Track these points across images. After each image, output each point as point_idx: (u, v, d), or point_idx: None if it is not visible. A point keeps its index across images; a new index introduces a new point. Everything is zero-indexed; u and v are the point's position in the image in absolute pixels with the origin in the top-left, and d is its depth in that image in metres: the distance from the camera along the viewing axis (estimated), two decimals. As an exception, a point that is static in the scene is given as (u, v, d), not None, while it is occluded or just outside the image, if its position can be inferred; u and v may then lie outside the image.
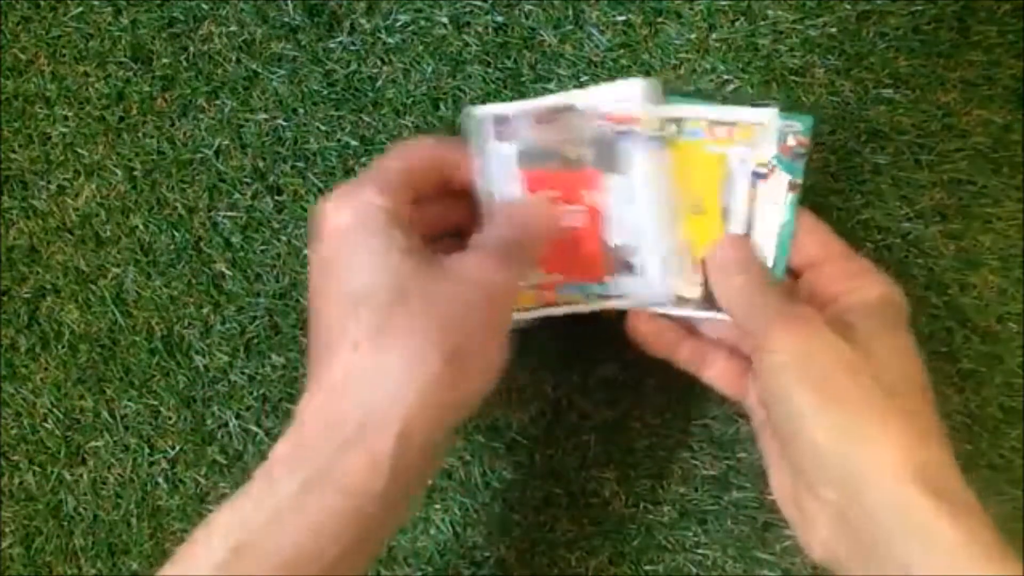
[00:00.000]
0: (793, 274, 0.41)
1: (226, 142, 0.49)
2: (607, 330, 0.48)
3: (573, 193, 0.41)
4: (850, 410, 0.34)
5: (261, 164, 0.49)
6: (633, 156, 0.41)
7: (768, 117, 0.40)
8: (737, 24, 0.48)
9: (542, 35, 0.48)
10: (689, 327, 0.43)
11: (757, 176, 0.40)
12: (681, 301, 0.41)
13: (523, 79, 0.48)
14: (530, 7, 0.48)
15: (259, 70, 0.50)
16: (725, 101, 0.40)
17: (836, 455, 0.34)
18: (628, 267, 0.42)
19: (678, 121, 0.40)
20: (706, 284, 0.41)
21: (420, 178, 0.39)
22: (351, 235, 0.35)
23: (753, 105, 0.40)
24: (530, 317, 0.43)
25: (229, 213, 0.49)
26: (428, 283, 0.35)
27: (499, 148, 0.41)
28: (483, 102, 0.48)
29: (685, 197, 0.41)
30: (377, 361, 0.33)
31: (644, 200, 0.41)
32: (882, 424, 0.34)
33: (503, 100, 0.48)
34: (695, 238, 0.41)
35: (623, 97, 0.40)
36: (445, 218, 0.41)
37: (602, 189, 0.41)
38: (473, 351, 0.35)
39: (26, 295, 0.50)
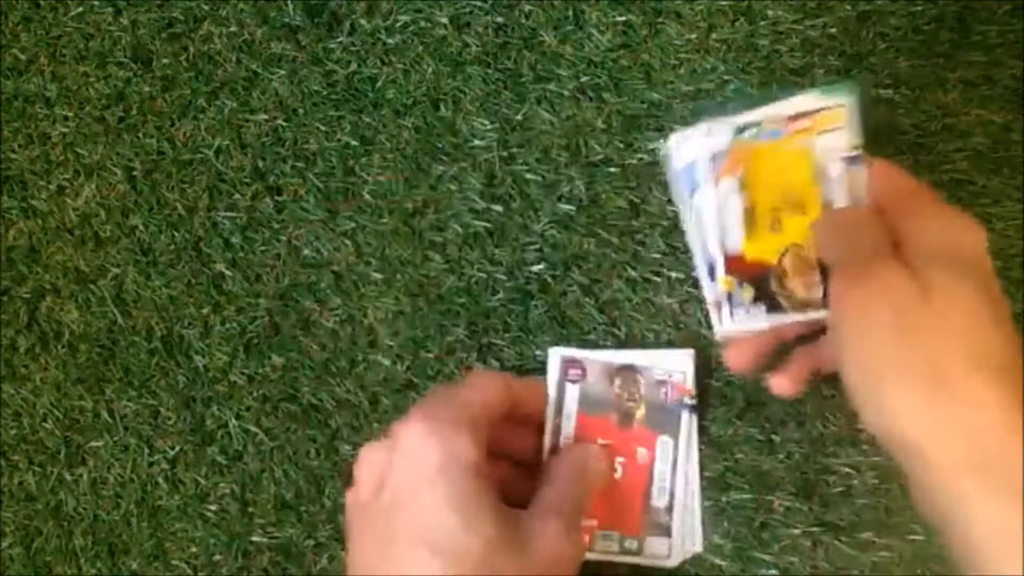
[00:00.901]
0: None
1: (226, 142, 0.49)
2: (607, 328, 0.48)
3: (624, 446, 0.46)
4: (923, 360, 0.32)
5: (261, 164, 0.49)
6: (681, 422, 0.46)
7: (846, 97, 0.39)
8: (737, 24, 0.48)
9: (542, 35, 0.48)
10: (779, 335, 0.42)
11: (851, 161, 0.39)
12: (804, 305, 0.40)
13: (523, 79, 0.48)
14: (530, 7, 0.48)
15: (259, 70, 0.50)
16: (780, 96, 0.40)
17: (910, 409, 0.32)
18: (664, 529, 0.46)
19: (756, 125, 0.40)
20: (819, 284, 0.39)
21: (495, 418, 0.39)
22: (440, 482, 0.34)
23: (823, 90, 0.39)
24: None
25: (229, 213, 0.49)
26: (514, 554, 0.34)
27: (569, 389, 0.46)
28: (483, 103, 0.48)
29: (784, 200, 0.40)
30: None
31: (684, 464, 0.46)
32: (954, 384, 0.31)
33: (503, 100, 0.48)
34: (804, 238, 0.40)
35: (676, 365, 0.46)
36: (503, 443, 0.42)
37: (651, 448, 0.46)
38: None
39: (26, 295, 0.50)
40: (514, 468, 0.42)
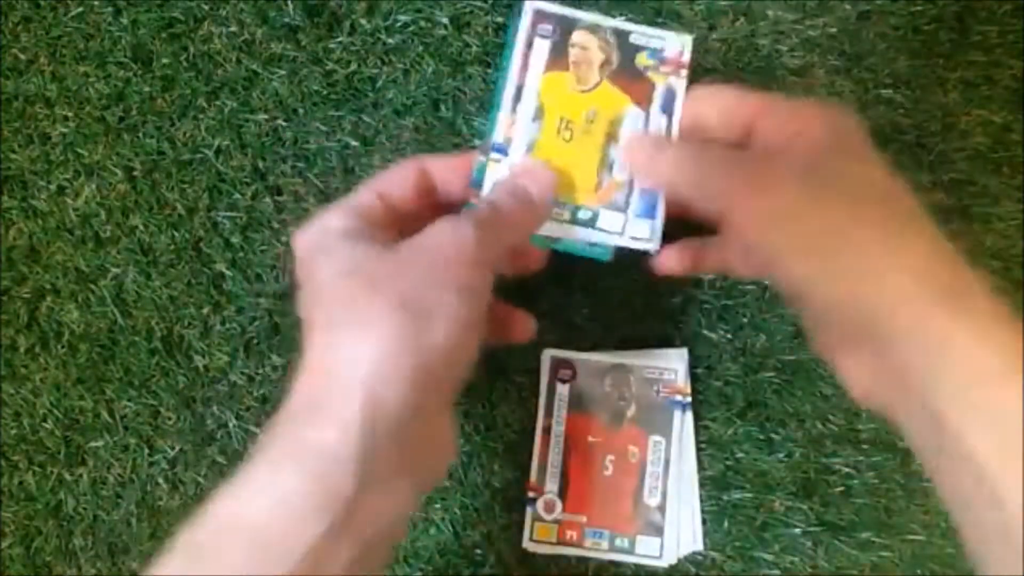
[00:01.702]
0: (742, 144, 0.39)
1: (226, 142, 0.49)
2: (606, 330, 0.48)
3: (615, 445, 0.46)
4: (849, 253, 0.33)
5: (261, 164, 0.49)
6: (673, 421, 0.46)
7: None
8: (737, 24, 0.48)
9: (542, 35, 0.48)
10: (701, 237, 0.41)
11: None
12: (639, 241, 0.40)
13: (523, 79, 0.48)
14: (530, 7, 0.48)
15: (259, 70, 0.49)
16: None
17: (852, 302, 0.33)
18: (656, 528, 0.46)
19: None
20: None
21: (400, 195, 0.38)
22: (313, 251, 0.36)
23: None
24: (549, 553, 0.47)
25: (229, 213, 0.49)
26: (382, 254, 0.35)
27: (560, 389, 0.47)
28: (483, 103, 0.48)
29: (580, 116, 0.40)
30: (334, 334, 0.34)
31: (679, 463, 0.46)
32: (889, 257, 0.32)
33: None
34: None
35: (668, 364, 0.46)
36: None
37: (642, 447, 0.46)
38: (429, 302, 0.34)
39: (26, 295, 0.50)
40: None
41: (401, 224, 0.38)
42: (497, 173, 0.39)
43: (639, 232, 0.39)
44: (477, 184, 0.39)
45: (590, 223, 0.39)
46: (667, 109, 0.39)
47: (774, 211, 0.35)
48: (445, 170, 0.40)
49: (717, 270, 0.41)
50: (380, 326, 0.33)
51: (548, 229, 0.39)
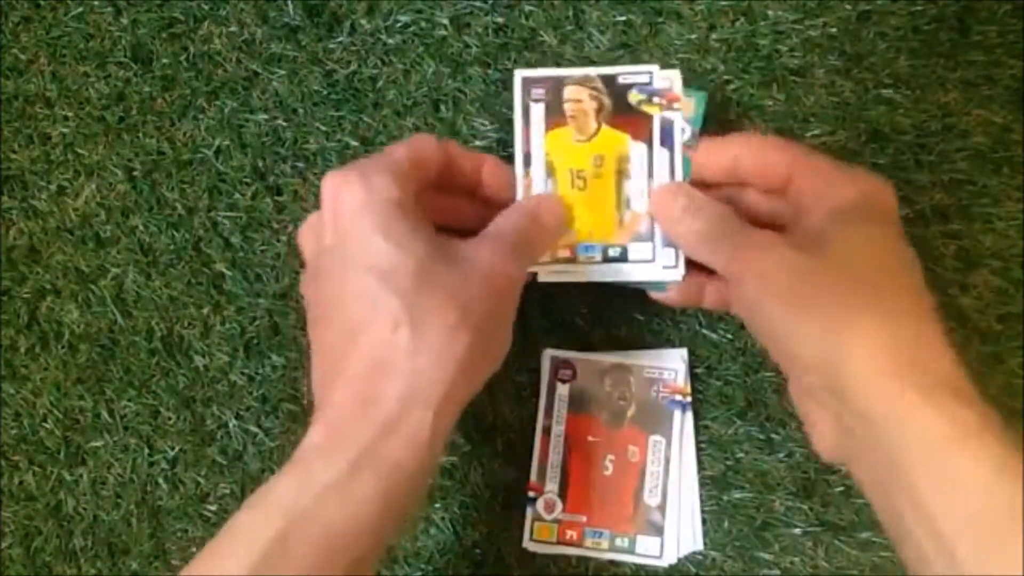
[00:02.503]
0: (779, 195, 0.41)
1: (226, 142, 0.49)
2: (607, 330, 0.48)
3: (615, 445, 0.46)
4: (820, 316, 0.34)
5: (261, 164, 0.49)
6: (673, 421, 0.46)
7: (695, 93, 0.42)
8: (737, 24, 0.48)
9: (542, 35, 0.48)
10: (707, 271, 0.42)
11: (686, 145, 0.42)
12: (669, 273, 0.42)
13: (523, 79, 0.48)
14: (530, 7, 0.48)
15: (259, 70, 0.49)
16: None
17: (818, 362, 0.34)
18: (656, 528, 0.46)
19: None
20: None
21: (425, 172, 0.39)
22: (366, 215, 0.35)
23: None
24: (549, 552, 0.46)
25: (229, 213, 0.49)
26: (447, 267, 0.35)
27: (559, 389, 0.47)
28: (483, 103, 0.48)
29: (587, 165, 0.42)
30: (416, 341, 0.34)
31: (679, 463, 0.46)
32: (854, 323, 0.33)
33: (503, 100, 0.48)
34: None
35: (667, 364, 0.46)
36: (442, 209, 0.41)
37: (642, 447, 0.46)
38: (488, 333, 0.36)
39: (26, 295, 0.50)
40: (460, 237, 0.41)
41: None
42: None
43: (667, 260, 0.41)
44: None
45: (622, 258, 0.42)
46: (667, 143, 0.41)
47: (759, 269, 0.36)
48: (466, 161, 0.41)
49: (717, 306, 0.42)
50: (459, 345, 0.34)
51: (589, 274, 0.42)
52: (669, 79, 0.41)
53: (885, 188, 0.38)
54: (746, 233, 0.38)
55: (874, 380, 0.32)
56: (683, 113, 0.41)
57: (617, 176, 0.42)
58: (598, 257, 0.42)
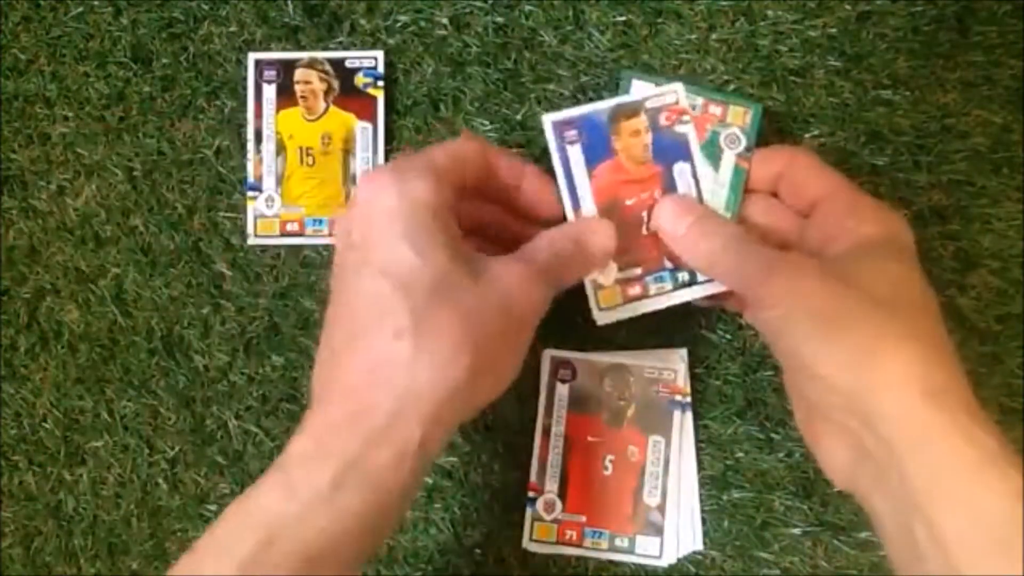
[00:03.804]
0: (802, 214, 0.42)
1: (226, 142, 0.49)
2: (607, 330, 0.48)
3: (615, 445, 0.46)
4: (852, 340, 0.34)
5: (261, 164, 0.49)
6: (673, 421, 0.46)
7: (752, 104, 0.42)
8: (737, 24, 0.48)
9: (542, 35, 0.48)
10: None
11: (741, 157, 0.42)
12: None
13: (523, 79, 0.48)
14: (530, 7, 0.48)
15: (259, 70, 0.49)
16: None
17: (846, 384, 0.34)
18: (656, 528, 0.46)
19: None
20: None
21: (463, 178, 0.38)
22: (396, 220, 0.35)
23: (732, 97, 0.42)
24: (549, 552, 0.47)
25: (229, 213, 0.49)
26: (467, 282, 0.34)
27: (559, 389, 0.47)
28: (483, 103, 0.48)
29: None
30: (416, 354, 0.33)
31: (678, 463, 0.46)
32: (886, 347, 0.34)
33: (503, 100, 0.48)
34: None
35: (667, 364, 0.46)
36: (477, 217, 0.41)
37: (642, 447, 0.46)
38: (496, 358, 0.35)
39: (26, 295, 0.50)
40: (492, 247, 0.40)
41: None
42: None
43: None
44: None
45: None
46: (685, 157, 0.42)
47: (795, 293, 0.36)
48: (508, 170, 0.40)
49: (735, 309, 0.42)
50: (458, 366, 0.34)
51: (656, 304, 0.42)
52: (675, 92, 0.42)
53: (905, 226, 0.39)
54: (773, 254, 0.38)
55: (905, 403, 0.33)
56: (739, 125, 0.41)
57: (343, 154, 0.45)
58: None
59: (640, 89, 0.42)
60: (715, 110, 0.41)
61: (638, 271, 0.42)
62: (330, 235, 0.47)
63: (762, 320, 0.38)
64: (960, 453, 0.32)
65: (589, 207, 0.41)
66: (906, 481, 0.33)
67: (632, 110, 0.41)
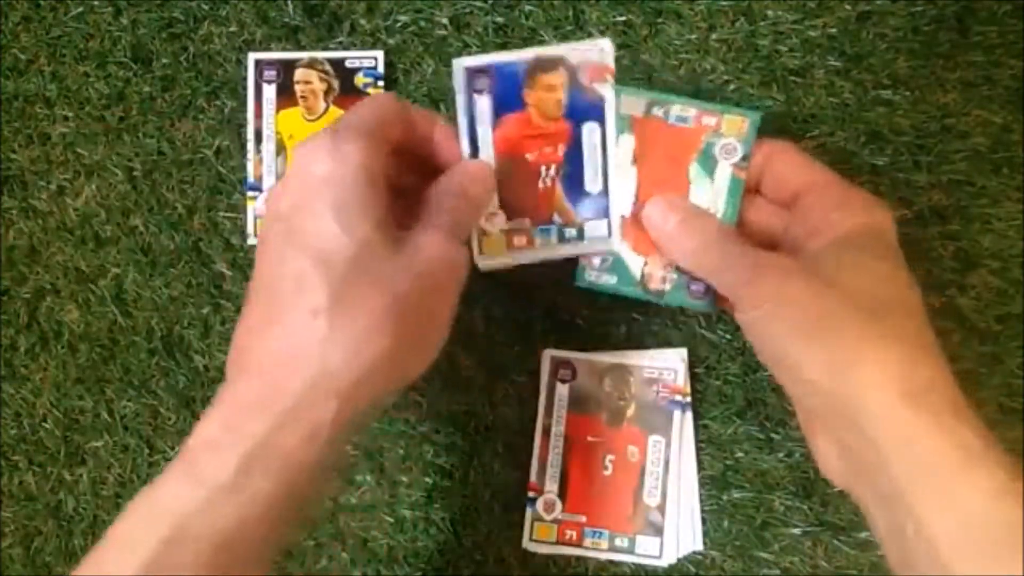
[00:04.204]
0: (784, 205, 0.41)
1: (226, 142, 0.49)
2: (607, 330, 0.48)
3: (615, 445, 0.46)
4: (834, 342, 0.34)
5: (261, 164, 0.49)
6: (673, 421, 0.46)
7: (750, 114, 0.41)
8: (737, 24, 0.48)
9: (542, 35, 0.48)
10: None
11: (737, 167, 0.41)
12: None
13: (523, 79, 0.48)
14: (530, 7, 0.48)
15: (259, 70, 0.49)
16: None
17: (830, 387, 0.34)
18: (655, 528, 0.46)
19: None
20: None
21: (393, 133, 0.38)
22: (328, 188, 0.34)
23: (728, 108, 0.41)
24: (549, 552, 0.47)
25: (229, 213, 0.49)
26: (389, 253, 0.34)
27: (559, 389, 0.47)
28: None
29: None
30: (331, 333, 0.33)
31: (678, 462, 0.46)
32: (868, 348, 0.34)
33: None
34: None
35: (667, 364, 0.46)
36: (403, 175, 0.40)
37: (642, 447, 0.46)
38: (420, 331, 0.35)
39: (26, 295, 0.50)
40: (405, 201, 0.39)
41: None
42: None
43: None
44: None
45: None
46: (597, 117, 0.41)
47: (779, 296, 0.36)
48: (421, 123, 0.39)
49: (726, 308, 0.42)
50: (376, 344, 0.33)
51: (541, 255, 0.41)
52: (602, 49, 0.40)
53: (888, 216, 0.38)
54: (758, 255, 0.38)
55: (888, 404, 0.33)
56: (735, 135, 0.40)
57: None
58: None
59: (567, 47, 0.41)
60: (709, 121, 0.40)
61: (526, 223, 0.41)
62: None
63: (746, 321, 0.38)
64: (944, 453, 0.32)
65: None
66: (894, 482, 0.33)
67: (551, 63, 0.40)
